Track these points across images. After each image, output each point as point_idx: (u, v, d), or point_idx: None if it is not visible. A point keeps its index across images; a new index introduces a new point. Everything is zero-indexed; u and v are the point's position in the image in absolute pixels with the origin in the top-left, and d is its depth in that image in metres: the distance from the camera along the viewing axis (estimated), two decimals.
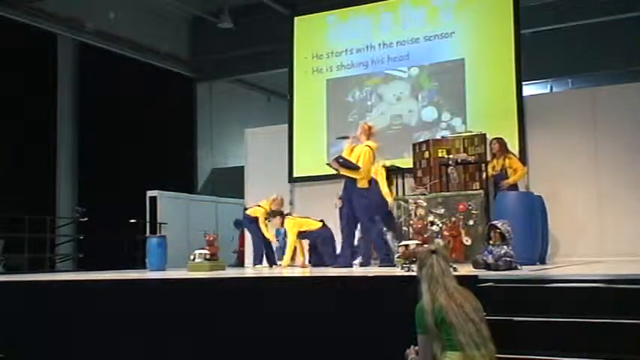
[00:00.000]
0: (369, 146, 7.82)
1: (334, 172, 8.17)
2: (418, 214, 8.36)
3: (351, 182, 7.80)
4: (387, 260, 7.48)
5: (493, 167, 8.80)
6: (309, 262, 9.19)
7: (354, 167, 7.72)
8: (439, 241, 8.01)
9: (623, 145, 9.29)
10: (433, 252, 3.66)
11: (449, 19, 10.77)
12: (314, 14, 11.97)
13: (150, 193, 12.63)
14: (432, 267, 3.58)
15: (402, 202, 8.77)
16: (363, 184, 7.77)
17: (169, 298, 6.21)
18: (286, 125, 11.76)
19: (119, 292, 6.56)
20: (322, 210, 9.44)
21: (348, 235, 7.87)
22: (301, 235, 9.01)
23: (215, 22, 14.60)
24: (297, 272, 7.77)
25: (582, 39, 13.47)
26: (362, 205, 7.72)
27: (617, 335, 4.08)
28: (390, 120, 10.98)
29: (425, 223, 7.76)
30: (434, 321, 3.48)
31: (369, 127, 7.99)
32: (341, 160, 7.77)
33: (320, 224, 9.03)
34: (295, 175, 11.42)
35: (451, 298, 3.50)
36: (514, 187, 8.59)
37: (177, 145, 15.02)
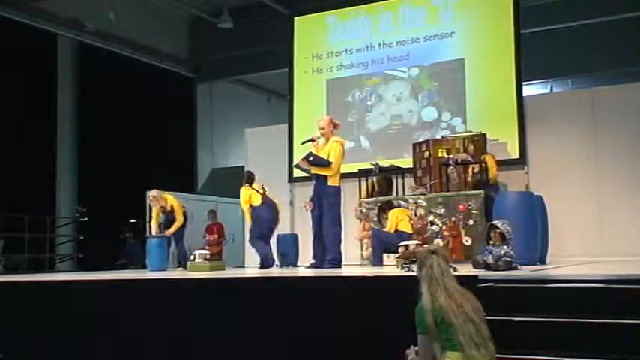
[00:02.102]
0: (339, 141, 7.66)
1: (305, 174, 8.04)
2: (418, 214, 8.36)
3: (321, 182, 7.59)
4: (334, 265, 7.43)
5: (473, 168, 8.84)
6: None
7: (325, 164, 7.50)
8: (439, 241, 8.02)
9: (623, 145, 9.29)
10: (433, 252, 3.66)
11: (449, 19, 10.77)
12: (314, 14, 11.96)
13: (150, 193, 12.61)
14: (432, 267, 3.58)
15: (402, 202, 8.78)
16: (334, 181, 7.56)
17: (169, 298, 6.21)
18: (286, 125, 11.75)
19: (119, 292, 6.56)
20: None
21: (320, 239, 7.64)
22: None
23: (215, 22, 14.62)
24: (297, 272, 7.77)
25: (582, 39, 13.48)
26: (329, 206, 7.51)
27: (618, 335, 4.08)
28: (390, 120, 10.98)
29: (425, 223, 7.77)
30: (434, 321, 3.48)
31: (336, 123, 7.81)
32: (311, 159, 7.55)
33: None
34: (295, 175, 11.41)
35: (451, 298, 3.50)
36: (494, 185, 8.64)
37: (177, 145, 15.02)
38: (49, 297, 6.84)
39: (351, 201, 10.00)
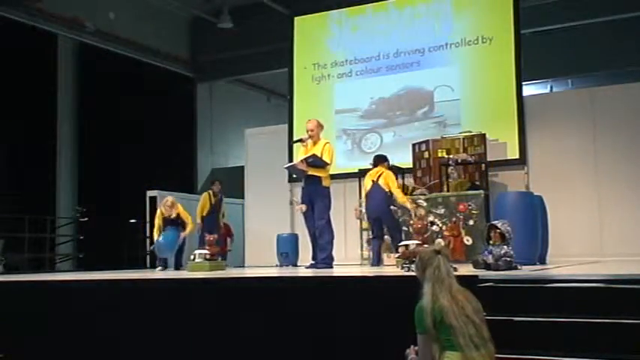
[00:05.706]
0: (329, 142, 7.84)
1: (296, 175, 8.12)
2: (418, 214, 8.37)
3: (314, 183, 7.67)
4: (328, 264, 7.53)
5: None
6: None
7: (323, 164, 7.61)
8: (440, 241, 8.01)
9: (623, 145, 9.29)
10: (438, 252, 3.63)
11: (449, 19, 10.76)
12: (314, 14, 11.97)
13: (150, 193, 12.62)
14: (439, 268, 3.54)
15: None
16: (327, 182, 7.69)
17: (169, 298, 6.21)
18: (286, 125, 11.75)
19: (119, 292, 6.56)
20: None
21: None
22: None
23: (215, 22, 14.62)
24: (297, 272, 7.77)
25: (582, 39, 13.47)
26: (324, 206, 7.62)
27: (617, 335, 4.08)
28: None
29: (425, 223, 7.76)
30: (432, 321, 3.47)
31: (322, 125, 7.92)
32: (310, 160, 7.59)
33: None
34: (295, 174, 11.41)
35: (453, 300, 3.48)
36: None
37: (177, 145, 15.01)
38: (49, 297, 6.84)
39: (351, 201, 10.01)
